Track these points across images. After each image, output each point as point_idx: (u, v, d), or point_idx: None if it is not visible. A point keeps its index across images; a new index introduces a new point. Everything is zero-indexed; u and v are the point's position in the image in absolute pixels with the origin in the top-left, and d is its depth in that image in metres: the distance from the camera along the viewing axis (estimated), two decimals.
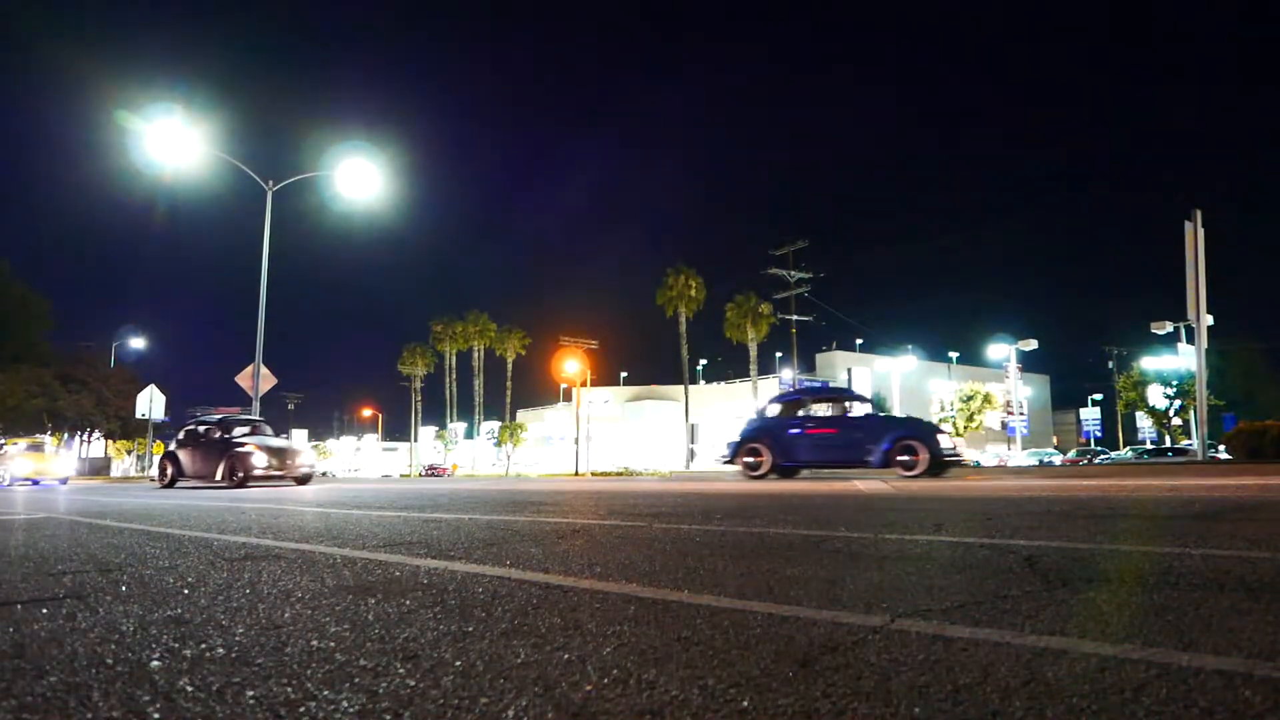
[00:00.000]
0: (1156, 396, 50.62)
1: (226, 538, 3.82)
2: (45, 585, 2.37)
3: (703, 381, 67.38)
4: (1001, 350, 53.32)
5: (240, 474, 14.51)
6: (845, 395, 15.22)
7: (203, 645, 1.55)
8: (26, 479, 22.58)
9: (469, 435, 71.42)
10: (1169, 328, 32.07)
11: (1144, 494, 6.03)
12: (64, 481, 23.13)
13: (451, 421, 68.75)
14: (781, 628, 1.63)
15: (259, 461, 14.63)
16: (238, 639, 1.60)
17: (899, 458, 12.18)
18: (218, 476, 15.03)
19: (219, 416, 17.34)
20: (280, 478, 15.03)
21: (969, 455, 46.61)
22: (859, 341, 66.76)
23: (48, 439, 29.04)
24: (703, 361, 69.85)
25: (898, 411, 60.38)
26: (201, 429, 16.59)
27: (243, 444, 15.20)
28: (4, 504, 8.40)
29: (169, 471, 16.36)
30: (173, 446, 17.12)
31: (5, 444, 25.86)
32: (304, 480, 15.46)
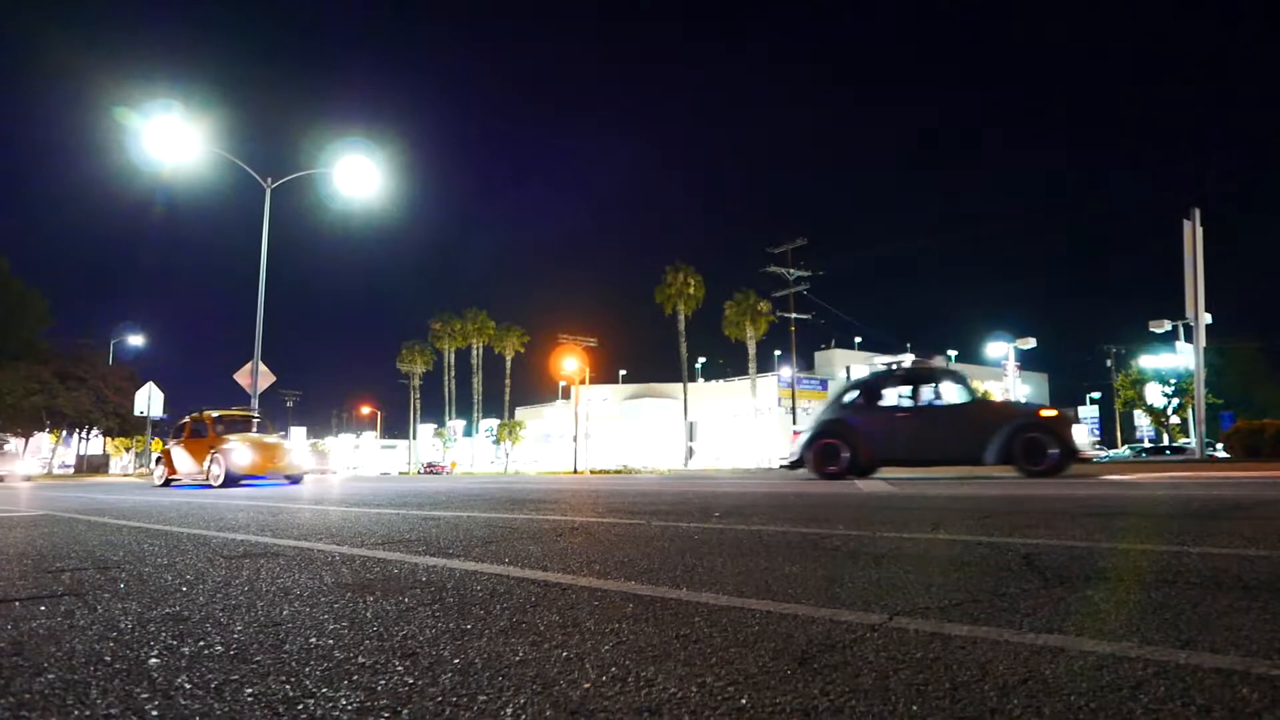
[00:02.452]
0: (1155, 395, 50.67)
1: (225, 535, 3.82)
2: (44, 583, 2.37)
3: (701, 379, 67.38)
4: (1000, 349, 53.30)
5: (1061, 455, 9.73)
6: None
7: (201, 643, 1.55)
8: (247, 476, 13.82)
9: (468, 433, 71.44)
10: (1167, 326, 32.10)
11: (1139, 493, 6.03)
12: (296, 480, 14.44)
13: (450, 419, 68.75)
14: (780, 625, 1.63)
15: (1080, 439, 9.77)
16: (236, 636, 1.60)
17: None
18: (989, 458, 10.18)
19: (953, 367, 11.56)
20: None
21: None
22: (858, 340, 66.82)
23: (254, 411, 18.88)
24: (701, 359, 69.88)
25: None
26: (910, 388, 11.10)
27: (1043, 411, 10.29)
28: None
29: (841, 455, 10.85)
30: (831, 414, 11.52)
31: (217, 415, 15.73)
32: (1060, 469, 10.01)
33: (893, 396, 11.30)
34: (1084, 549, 2.75)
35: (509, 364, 64.12)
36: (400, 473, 60.02)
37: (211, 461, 14.01)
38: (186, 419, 16.11)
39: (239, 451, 13.92)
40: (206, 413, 15.83)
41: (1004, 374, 53.19)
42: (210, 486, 13.69)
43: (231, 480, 13.63)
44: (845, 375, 57.35)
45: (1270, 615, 1.64)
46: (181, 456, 15.38)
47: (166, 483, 15.41)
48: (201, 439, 15.12)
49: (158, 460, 16.18)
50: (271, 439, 15.25)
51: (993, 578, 2.18)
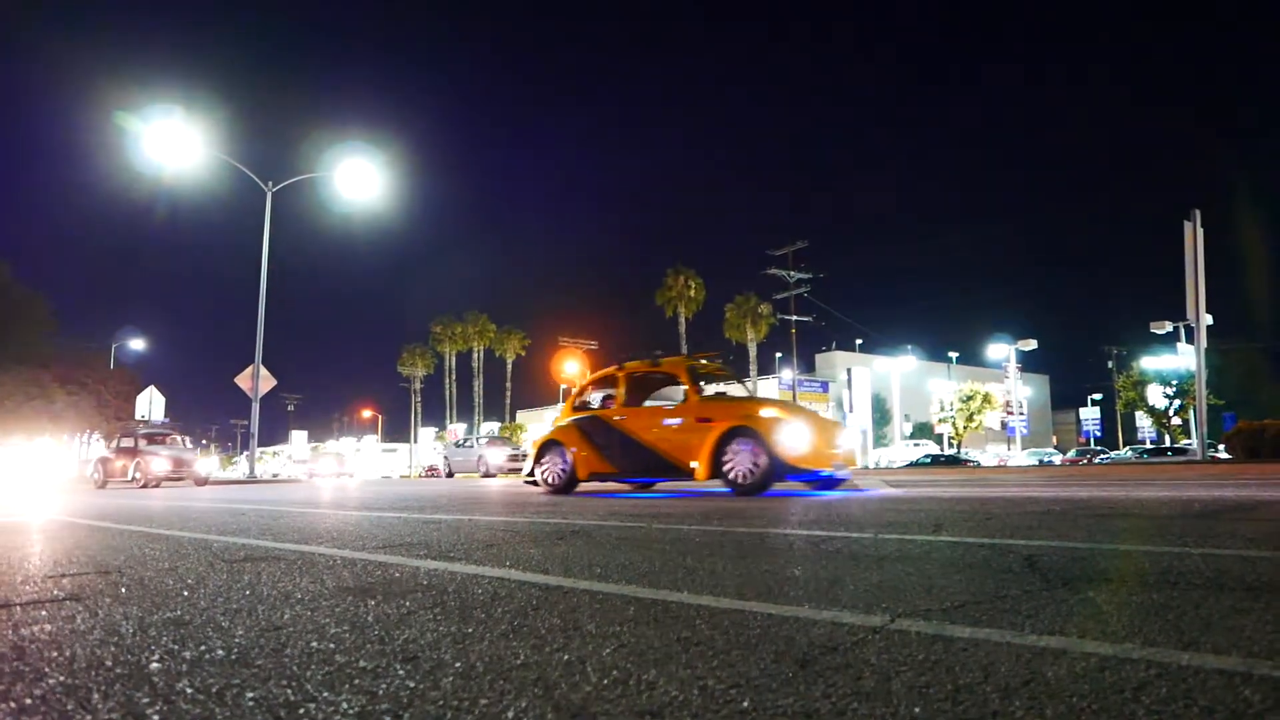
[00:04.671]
0: (1156, 396, 50.60)
1: (226, 539, 3.82)
2: (45, 587, 2.37)
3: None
4: (1001, 350, 53.32)
5: None
6: None
7: (202, 647, 1.55)
8: (797, 470, 7.19)
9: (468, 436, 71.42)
10: (1168, 327, 32.11)
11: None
12: (836, 483, 8.16)
13: (451, 422, 68.70)
14: (781, 628, 1.63)
15: None
16: (237, 640, 1.60)
17: None
18: None
19: None
20: None
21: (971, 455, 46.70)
22: (859, 342, 66.72)
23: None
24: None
25: (896, 412, 60.31)
26: None
27: None
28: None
29: None
30: None
31: (695, 365, 8.58)
32: None
33: None
34: (1086, 550, 2.74)
35: (510, 367, 64.16)
36: (401, 476, 59.97)
37: (730, 445, 7.39)
38: (614, 370, 9.02)
39: (793, 429, 7.28)
40: (669, 358, 8.68)
41: (1005, 375, 53.18)
42: (717, 492, 8.08)
43: (775, 477, 7.14)
44: (846, 377, 57.30)
45: (1273, 616, 1.64)
46: (613, 437, 8.45)
47: (569, 484, 8.70)
48: (681, 406, 8.15)
49: (547, 447, 9.12)
50: (812, 408, 7.71)
51: (995, 579, 2.17)
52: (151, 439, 19.62)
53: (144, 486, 17.34)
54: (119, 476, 18.72)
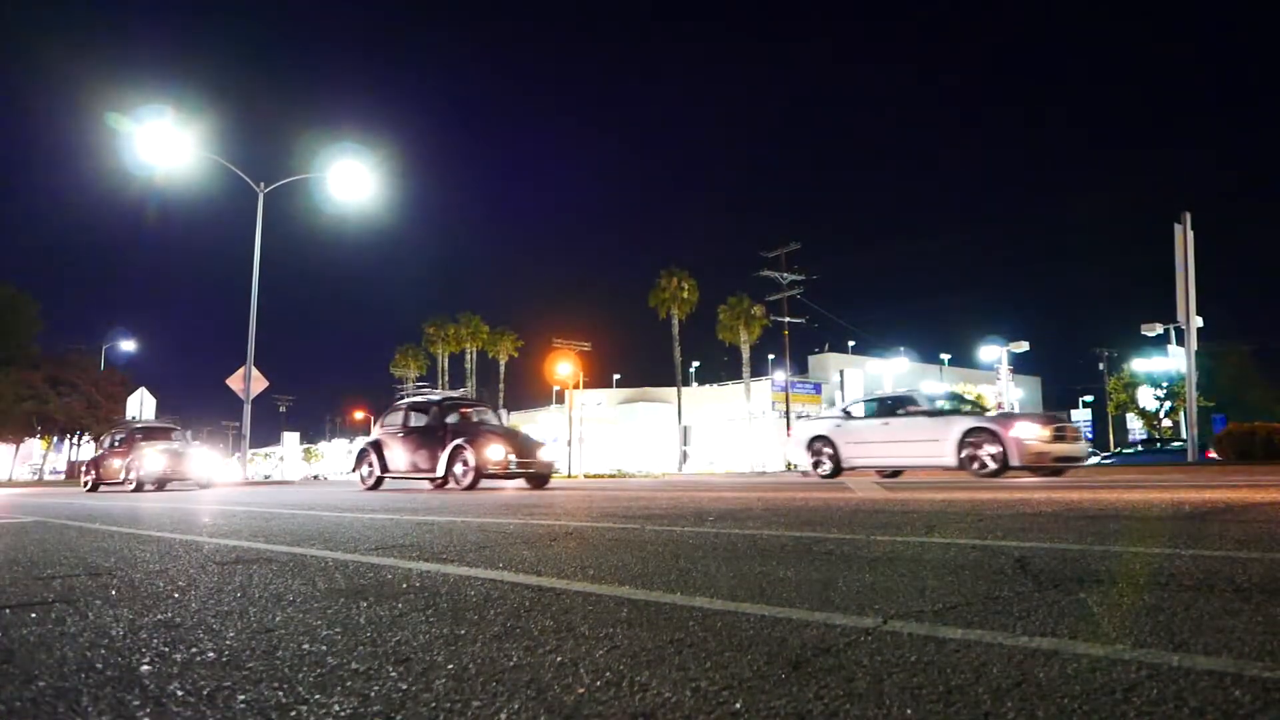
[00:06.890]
0: (1147, 398, 50.86)
1: (217, 541, 3.80)
2: (34, 590, 2.35)
3: (695, 384, 67.37)
4: (993, 352, 53.43)
5: None
6: None
7: (193, 649, 1.54)
8: None
9: None
10: (1159, 330, 32.29)
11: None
12: None
13: None
14: (774, 629, 1.63)
15: None
16: (228, 643, 1.59)
17: None
18: None
19: None
20: None
21: None
22: (851, 343, 66.83)
23: None
24: (696, 363, 69.88)
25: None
26: None
27: None
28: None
29: None
30: None
31: None
32: None
33: None
34: (1077, 552, 2.76)
35: (503, 368, 64.09)
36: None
37: None
38: None
39: None
40: None
41: (996, 377, 53.38)
42: None
43: None
44: (839, 379, 57.39)
45: (1263, 617, 1.65)
46: None
47: None
48: None
49: None
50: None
51: (986, 581, 2.18)
52: (457, 407, 12.43)
53: (469, 488, 11.36)
54: (412, 471, 12.22)
